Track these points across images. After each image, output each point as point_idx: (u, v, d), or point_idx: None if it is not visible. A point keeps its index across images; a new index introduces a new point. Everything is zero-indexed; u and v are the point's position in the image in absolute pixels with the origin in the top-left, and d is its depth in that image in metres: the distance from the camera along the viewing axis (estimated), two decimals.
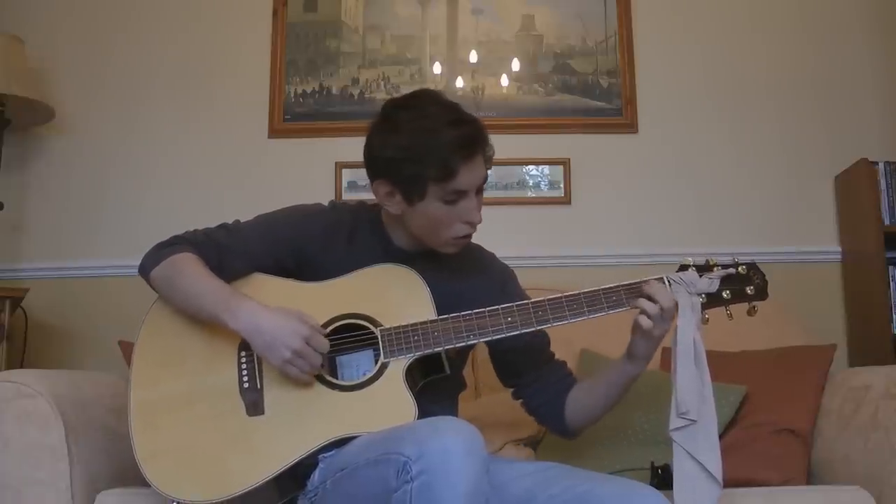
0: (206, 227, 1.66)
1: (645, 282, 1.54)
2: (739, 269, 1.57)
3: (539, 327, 1.54)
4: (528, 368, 1.69)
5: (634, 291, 1.54)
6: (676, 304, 1.52)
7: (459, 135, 1.48)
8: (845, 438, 1.91)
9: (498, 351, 1.70)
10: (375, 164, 1.55)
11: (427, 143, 1.48)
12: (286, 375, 1.47)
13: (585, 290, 1.54)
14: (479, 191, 1.55)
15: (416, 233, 1.59)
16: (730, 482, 1.68)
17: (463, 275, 1.66)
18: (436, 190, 1.50)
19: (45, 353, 2.73)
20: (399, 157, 1.50)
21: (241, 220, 1.66)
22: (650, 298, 1.51)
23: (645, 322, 1.51)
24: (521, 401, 1.73)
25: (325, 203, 1.71)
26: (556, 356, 1.73)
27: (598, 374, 1.67)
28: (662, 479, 1.79)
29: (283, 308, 1.49)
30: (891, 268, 2.59)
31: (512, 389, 1.74)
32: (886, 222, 2.62)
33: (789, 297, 2.40)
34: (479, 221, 1.57)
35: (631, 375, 1.60)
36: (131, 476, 1.52)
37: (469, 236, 1.58)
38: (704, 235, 2.81)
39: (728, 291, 1.56)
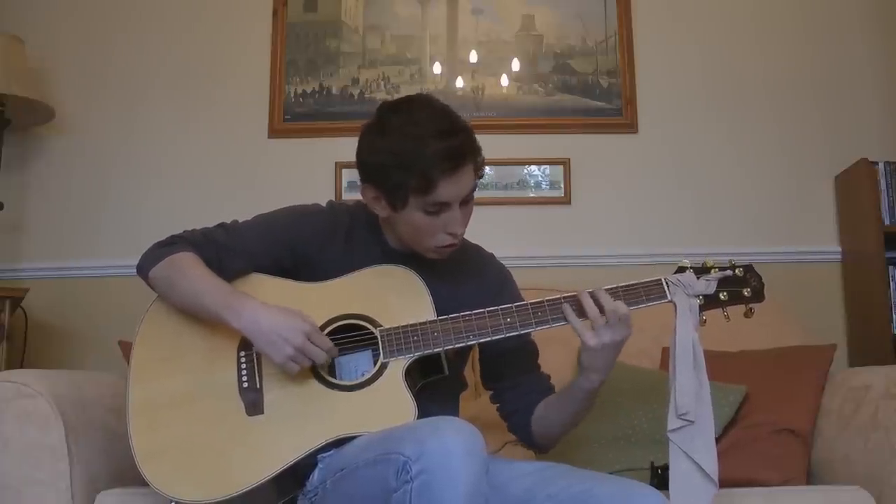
0: (204, 226, 1.65)
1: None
2: (736, 271, 1.57)
3: (539, 328, 1.53)
4: (512, 374, 1.68)
5: (633, 292, 1.53)
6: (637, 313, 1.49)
7: (444, 147, 1.44)
8: (845, 438, 1.91)
9: (487, 353, 1.69)
10: (363, 168, 1.54)
11: (410, 152, 1.45)
12: (288, 372, 1.47)
13: (584, 291, 1.54)
14: (466, 201, 1.52)
15: (403, 238, 1.59)
16: (730, 482, 1.69)
17: (459, 278, 1.65)
18: (417, 200, 1.48)
19: (45, 353, 2.73)
20: (382, 163, 1.49)
21: (240, 220, 1.66)
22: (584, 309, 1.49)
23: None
24: (497, 405, 1.72)
25: (324, 203, 1.71)
26: (544, 368, 1.72)
27: (562, 387, 1.65)
28: (662, 479, 1.78)
29: (284, 307, 1.49)
30: (891, 268, 2.59)
31: (491, 392, 1.73)
32: (886, 222, 2.62)
33: (789, 297, 2.41)
34: (462, 233, 1.55)
35: (584, 389, 1.54)
36: (131, 476, 1.52)
37: (453, 246, 1.56)
38: (704, 235, 2.81)
39: (725, 293, 1.56)
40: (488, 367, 1.72)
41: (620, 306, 1.48)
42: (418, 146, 1.44)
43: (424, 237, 1.54)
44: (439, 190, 1.46)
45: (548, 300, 1.53)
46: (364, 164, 1.54)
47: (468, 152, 1.49)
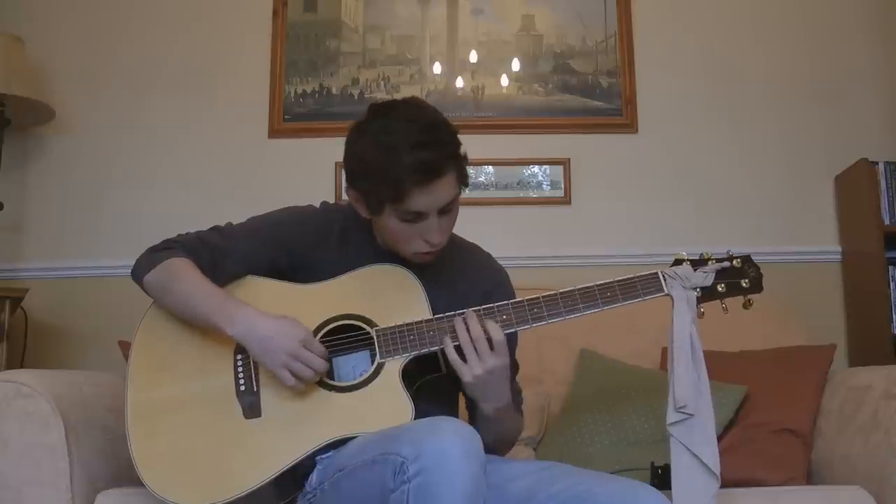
0: (199, 229, 1.65)
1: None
2: (734, 262, 1.56)
3: (535, 325, 1.53)
4: None
5: (629, 286, 1.52)
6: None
7: (415, 160, 1.41)
8: (845, 438, 1.91)
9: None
10: (345, 168, 1.54)
11: (380, 161, 1.43)
12: (282, 381, 1.45)
13: (580, 287, 1.53)
14: (447, 210, 1.50)
15: (385, 240, 1.58)
16: (730, 482, 1.69)
17: (454, 276, 1.64)
18: (391, 208, 1.46)
19: (45, 353, 2.73)
20: (358, 169, 1.49)
21: (236, 222, 1.65)
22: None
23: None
24: (466, 404, 1.69)
25: (317, 204, 1.70)
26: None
27: None
28: (662, 478, 1.78)
29: (278, 314, 1.49)
30: (891, 268, 2.59)
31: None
32: (886, 222, 2.62)
33: (789, 297, 2.41)
34: (441, 242, 1.52)
35: (482, 415, 1.52)
36: (131, 476, 1.51)
37: (431, 254, 1.54)
38: (704, 235, 2.80)
39: (723, 285, 1.54)
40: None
41: (493, 332, 1.46)
42: (389, 156, 1.42)
43: (401, 243, 1.53)
44: (412, 200, 1.44)
45: (544, 296, 1.52)
46: (345, 165, 1.53)
47: (445, 165, 1.45)
